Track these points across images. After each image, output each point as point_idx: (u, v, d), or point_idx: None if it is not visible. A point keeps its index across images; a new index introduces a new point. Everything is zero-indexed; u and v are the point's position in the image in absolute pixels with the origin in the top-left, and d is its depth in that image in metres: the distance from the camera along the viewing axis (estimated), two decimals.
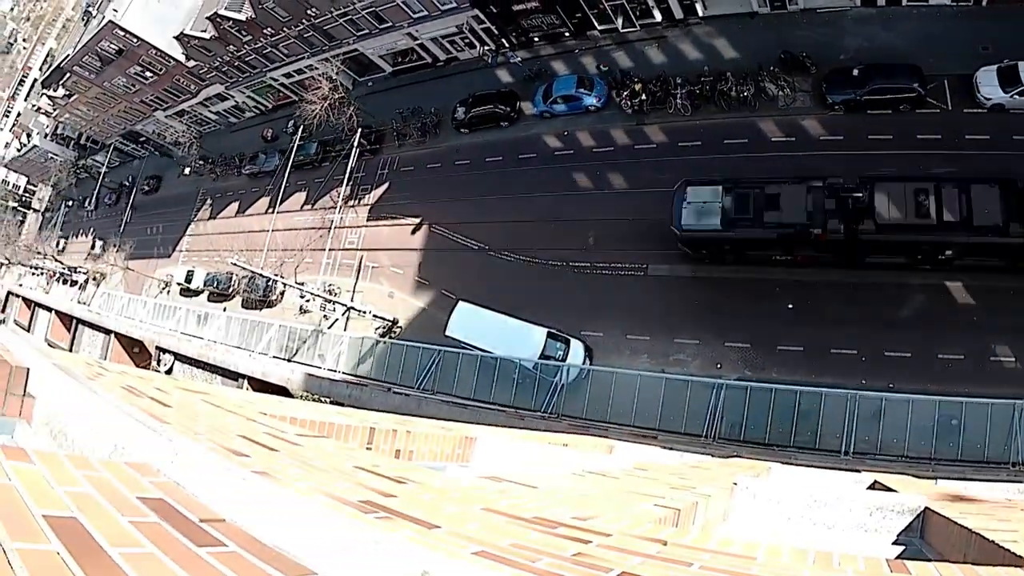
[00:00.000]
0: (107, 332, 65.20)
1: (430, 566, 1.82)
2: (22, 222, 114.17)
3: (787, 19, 33.32)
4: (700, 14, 35.73)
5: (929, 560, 4.54)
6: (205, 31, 54.56)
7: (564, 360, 31.83)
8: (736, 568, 2.48)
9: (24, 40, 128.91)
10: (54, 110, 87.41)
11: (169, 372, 49.79)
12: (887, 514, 5.78)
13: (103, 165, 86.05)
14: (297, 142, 52.56)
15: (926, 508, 5.69)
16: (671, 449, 17.99)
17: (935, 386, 24.65)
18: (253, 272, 45.87)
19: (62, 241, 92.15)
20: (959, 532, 4.66)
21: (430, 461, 7.18)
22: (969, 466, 22.48)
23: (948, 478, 17.63)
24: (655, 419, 29.29)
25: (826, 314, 28.04)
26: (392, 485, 3.25)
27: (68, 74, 73.88)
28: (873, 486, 10.30)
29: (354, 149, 46.91)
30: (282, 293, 49.15)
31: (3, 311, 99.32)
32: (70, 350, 63.56)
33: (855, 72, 30.30)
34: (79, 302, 76.36)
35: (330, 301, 42.95)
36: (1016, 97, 27.69)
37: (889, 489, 8.74)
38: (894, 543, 5.67)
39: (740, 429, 27.61)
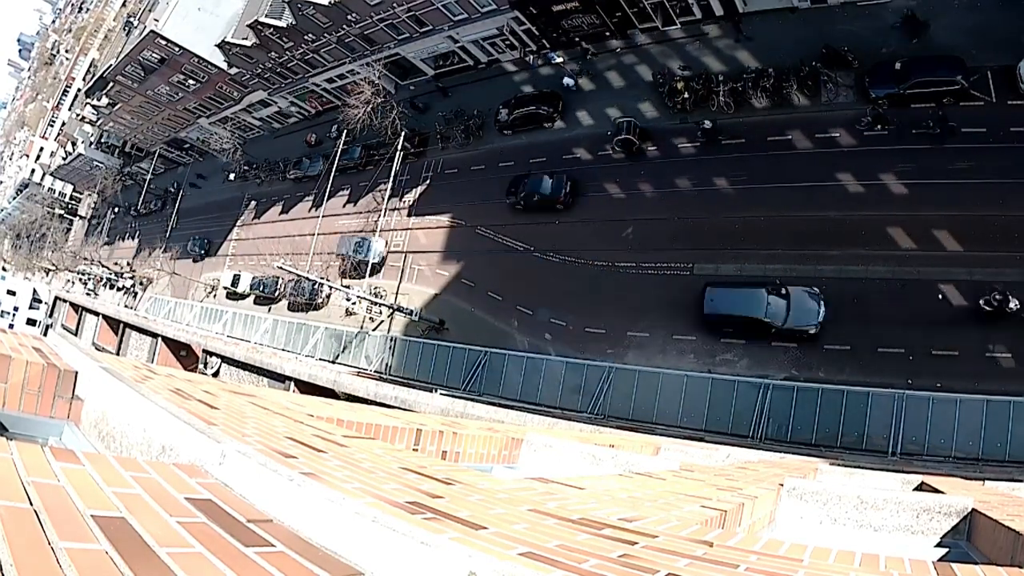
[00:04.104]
0: (154, 336, 66.06)
1: (477, 567, 1.82)
2: (68, 229, 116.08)
3: (827, 13, 32.83)
4: (740, 10, 35.39)
5: (976, 563, 4.49)
6: (246, 38, 54.95)
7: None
8: (782, 570, 2.44)
9: (67, 51, 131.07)
10: (98, 119, 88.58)
11: (216, 375, 50.23)
12: (934, 516, 5.74)
13: (148, 172, 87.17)
14: (341, 146, 52.87)
15: (973, 510, 5.64)
16: (717, 450, 17.87)
17: (983, 385, 24.36)
18: (299, 275, 46.30)
19: (108, 247, 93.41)
20: (1006, 534, 4.60)
21: (477, 462, 7.12)
22: (1017, 467, 22.22)
23: (996, 479, 17.44)
24: (702, 420, 29.30)
25: (873, 312, 27.75)
26: (439, 486, 3.22)
27: (111, 83, 74.80)
28: (920, 487, 10.17)
29: (398, 152, 47.22)
30: (328, 296, 49.39)
31: (51, 316, 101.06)
32: (117, 353, 64.61)
33: (897, 65, 29.72)
34: (126, 306, 77.49)
35: (376, 303, 43.17)
36: None
37: (936, 490, 8.63)
38: (939, 545, 5.62)
39: (787, 430, 27.47)
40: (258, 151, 67.91)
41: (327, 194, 53.53)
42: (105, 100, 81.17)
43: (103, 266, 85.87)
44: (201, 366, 53.67)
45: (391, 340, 42.45)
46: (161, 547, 1.79)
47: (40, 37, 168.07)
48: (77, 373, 4.24)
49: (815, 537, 5.71)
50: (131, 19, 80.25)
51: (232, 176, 69.03)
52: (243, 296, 58.43)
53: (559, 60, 41.79)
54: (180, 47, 61.18)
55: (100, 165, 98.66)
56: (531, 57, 43.53)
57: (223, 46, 58.61)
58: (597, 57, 40.66)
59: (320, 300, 50.18)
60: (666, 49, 37.92)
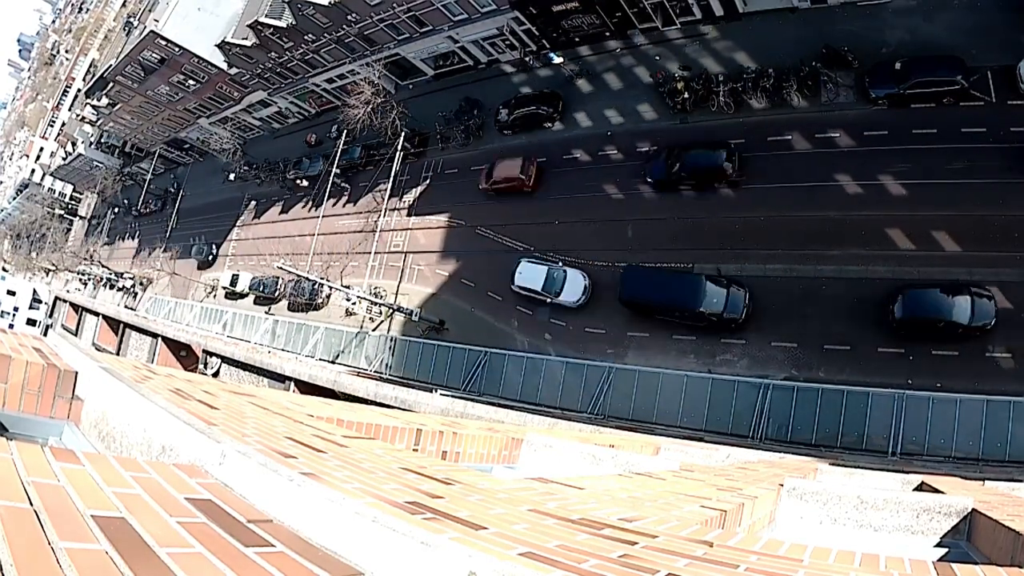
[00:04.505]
0: (154, 336, 66.08)
1: (477, 567, 1.82)
2: (68, 229, 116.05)
3: (827, 13, 32.79)
4: (740, 11, 35.37)
5: (976, 563, 4.50)
6: (246, 39, 54.84)
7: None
8: (782, 570, 2.45)
9: (67, 51, 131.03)
10: (98, 119, 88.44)
11: (216, 375, 50.20)
12: (934, 516, 5.73)
13: (148, 172, 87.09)
14: (341, 146, 52.80)
15: (973, 510, 5.64)
16: (717, 450, 17.87)
17: (983, 385, 24.34)
18: (299, 275, 46.27)
19: (108, 247, 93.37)
20: (1006, 534, 4.60)
21: (477, 462, 7.14)
22: (1017, 467, 22.23)
23: (996, 479, 17.44)
24: (701, 420, 29.31)
25: (874, 312, 27.70)
26: (439, 486, 3.23)
27: (111, 84, 74.66)
28: (920, 487, 10.22)
29: (398, 153, 47.19)
30: (328, 296, 49.34)
31: (51, 316, 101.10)
32: (117, 354, 64.60)
33: (897, 65, 29.59)
34: (126, 306, 77.48)
35: (376, 303, 43.11)
36: None
37: (936, 490, 8.66)
38: (939, 545, 5.63)
39: (787, 430, 27.47)
40: (258, 151, 67.83)
41: (327, 194, 53.52)
42: (105, 100, 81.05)
43: (103, 266, 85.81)
44: (201, 366, 53.65)
45: (391, 340, 42.44)
46: (161, 547, 1.78)
47: (40, 37, 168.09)
48: (77, 373, 4.24)
49: (815, 537, 5.71)
50: (131, 19, 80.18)
51: (232, 176, 68.99)
52: (242, 296, 58.35)
53: (559, 60, 41.70)
54: (180, 47, 61.06)
55: (100, 165, 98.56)
56: (530, 57, 43.42)
57: (223, 46, 58.51)
58: (593, 57, 40.66)
59: (320, 300, 50.11)
60: (665, 50, 37.84)
